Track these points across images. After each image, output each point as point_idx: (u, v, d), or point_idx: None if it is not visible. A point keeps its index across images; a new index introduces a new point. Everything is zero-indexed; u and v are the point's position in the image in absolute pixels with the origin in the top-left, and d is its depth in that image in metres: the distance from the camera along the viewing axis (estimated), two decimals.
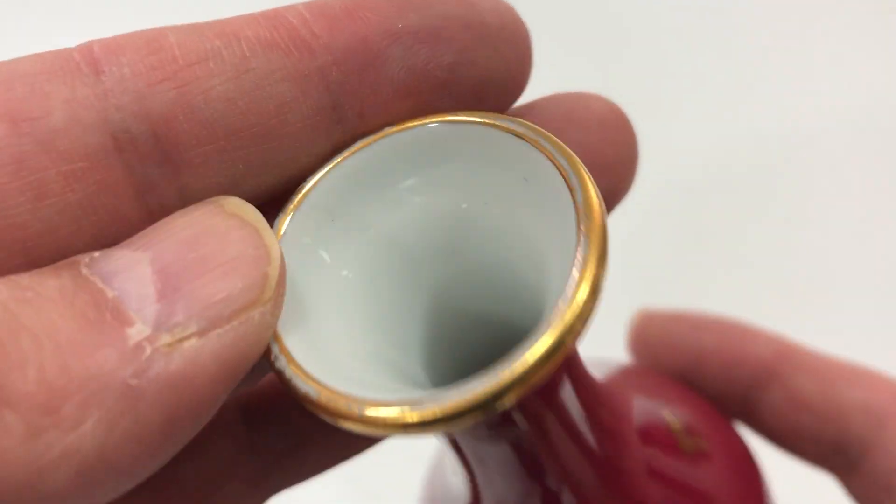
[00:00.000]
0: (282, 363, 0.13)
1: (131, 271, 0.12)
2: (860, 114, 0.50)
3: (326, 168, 0.15)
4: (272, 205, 0.15)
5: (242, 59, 0.14)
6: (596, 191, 0.13)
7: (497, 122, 0.15)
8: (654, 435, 0.19)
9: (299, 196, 0.15)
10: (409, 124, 0.15)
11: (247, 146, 0.14)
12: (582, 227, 0.13)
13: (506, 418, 0.15)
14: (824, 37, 0.52)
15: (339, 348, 0.14)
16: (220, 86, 0.14)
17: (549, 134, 0.14)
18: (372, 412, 0.12)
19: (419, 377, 0.16)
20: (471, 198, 0.16)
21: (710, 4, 0.54)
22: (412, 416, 0.12)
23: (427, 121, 0.15)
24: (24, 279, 0.12)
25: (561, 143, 0.14)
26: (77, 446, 0.11)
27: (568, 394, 0.15)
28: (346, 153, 0.15)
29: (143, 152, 0.14)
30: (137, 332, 0.12)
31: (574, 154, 0.14)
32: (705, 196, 0.49)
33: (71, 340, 0.11)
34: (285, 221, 0.15)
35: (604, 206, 0.13)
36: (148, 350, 0.12)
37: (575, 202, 0.13)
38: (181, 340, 0.12)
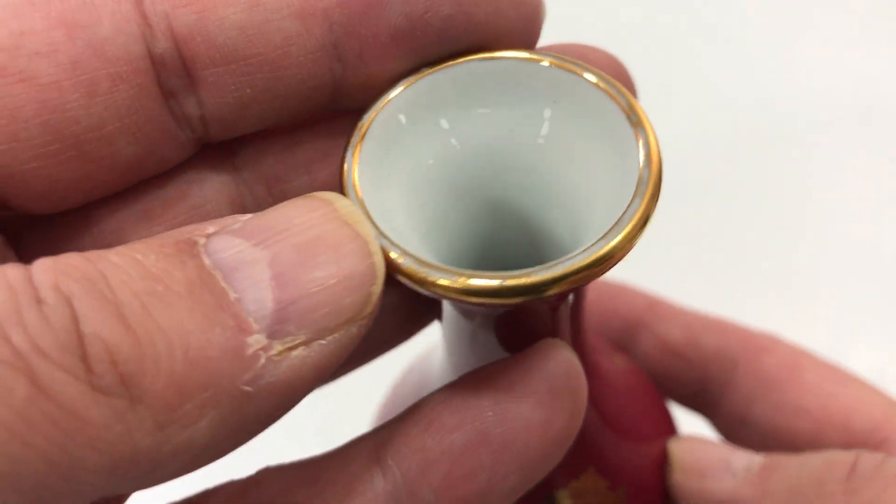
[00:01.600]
0: (411, 261, 0.15)
1: (250, 271, 0.13)
2: (859, 96, 0.51)
3: (406, 83, 0.17)
4: (277, 134, 0.17)
5: None
6: (657, 139, 0.15)
7: (573, 68, 0.16)
8: (601, 350, 0.23)
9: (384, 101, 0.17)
10: (488, 56, 0.17)
11: (253, 72, 0.16)
12: (644, 166, 0.15)
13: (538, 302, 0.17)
14: (828, 14, 0.53)
15: (408, 241, 0.16)
16: (233, 15, 0.15)
17: (618, 84, 0.16)
18: (475, 282, 0.14)
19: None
20: (528, 123, 0.17)
21: None
22: (508, 283, 0.14)
23: (507, 55, 0.17)
24: (151, 264, 0.13)
25: (630, 94, 0.16)
26: (191, 440, 0.13)
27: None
28: (426, 72, 0.17)
29: (168, 66, 0.16)
30: (255, 341, 0.13)
31: (640, 107, 0.16)
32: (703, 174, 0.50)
33: (198, 343, 0.12)
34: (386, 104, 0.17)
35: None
36: (262, 359, 0.13)
37: (640, 145, 0.15)
38: (290, 349, 0.13)
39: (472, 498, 0.16)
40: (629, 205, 0.15)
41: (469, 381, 0.16)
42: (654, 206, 0.15)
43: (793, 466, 0.22)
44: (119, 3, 0.15)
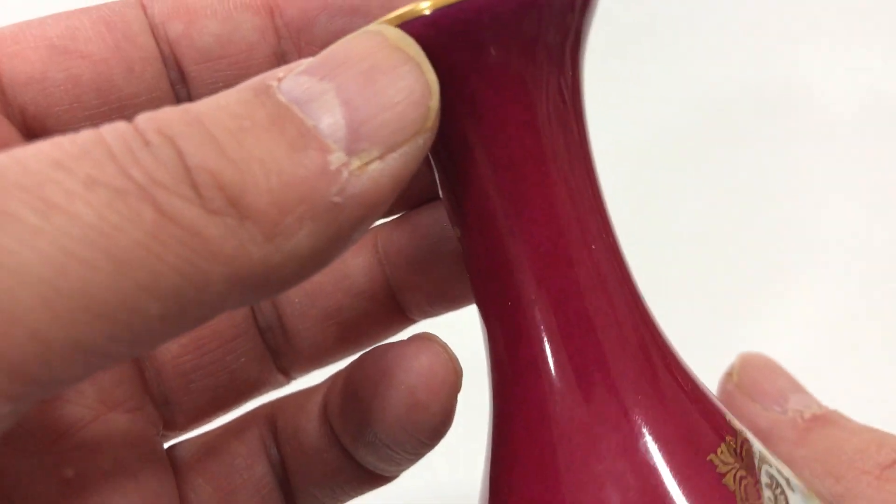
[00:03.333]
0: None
1: (321, 100, 0.15)
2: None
3: None
4: None
5: (228, 12, 0.20)
6: None
7: None
8: None
9: None
10: None
11: (225, 69, 0.21)
12: None
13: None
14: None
15: None
16: (211, 26, 0.20)
17: None
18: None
19: None
20: None
21: None
22: None
23: None
24: (234, 106, 0.15)
25: None
26: (296, 249, 0.14)
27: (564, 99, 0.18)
28: None
29: (167, 62, 0.20)
30: (336, 159, 0.15)
31: None
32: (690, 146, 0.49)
33: (288, 166, 0.14)
34: None
35: None
36: (345, 173, 0.15)
37: None
38: (367, 164, 0.15)
39: None
40: None
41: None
42: None
43: (843, 430, 0.22)
44: (137, 11, 0.20)
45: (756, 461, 0.18)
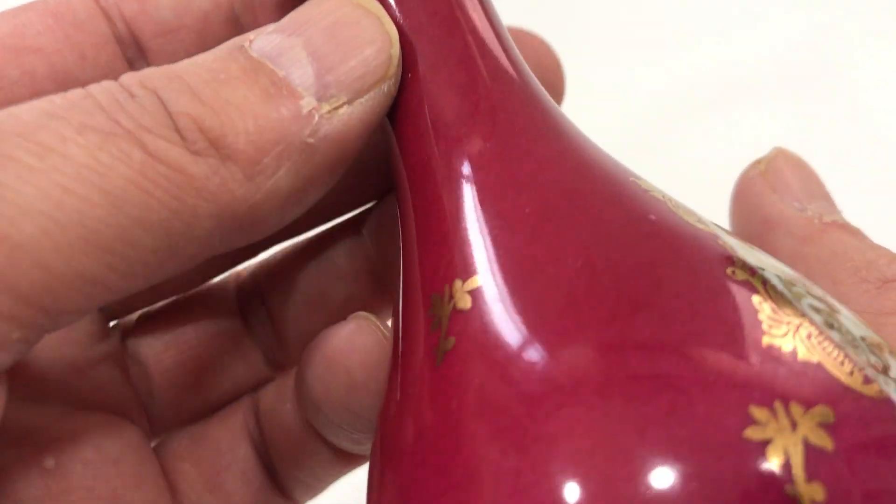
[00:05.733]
0: None
1: (290, 54, 0.16)
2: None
3: None
4: None
5: None
6: None
7: None
8: None
9: None
10: None
11: (185, 38, 0.20)
12: None
13: None
14: None
15: None
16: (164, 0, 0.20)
17: None
18: None
19: None
20: None
21: None
22: None
23: None
24: (210, 62, 0.16)
25: None
26: (276, 187, 0.16)
27: None
28: None
29: (125, 41, 0.20)
30: (307, 103, 0.16)
31: None
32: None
33: (262, 111, 0.15)
34: None
35: None
36: (316, 117, 0.16)
37: None
38: (336, 108, 0.16)
39: None
40: None
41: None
42: None
43: (860, 241, 0.19)
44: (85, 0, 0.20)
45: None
